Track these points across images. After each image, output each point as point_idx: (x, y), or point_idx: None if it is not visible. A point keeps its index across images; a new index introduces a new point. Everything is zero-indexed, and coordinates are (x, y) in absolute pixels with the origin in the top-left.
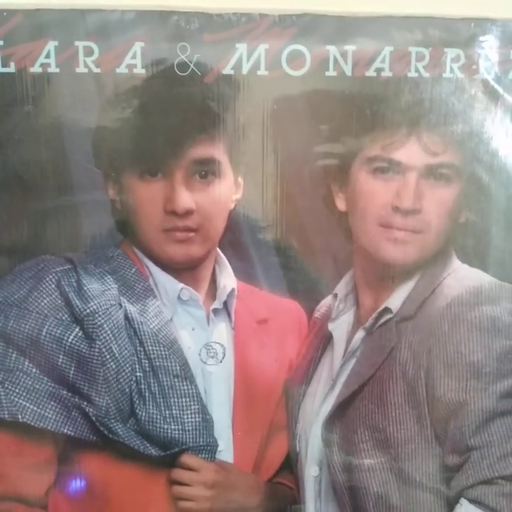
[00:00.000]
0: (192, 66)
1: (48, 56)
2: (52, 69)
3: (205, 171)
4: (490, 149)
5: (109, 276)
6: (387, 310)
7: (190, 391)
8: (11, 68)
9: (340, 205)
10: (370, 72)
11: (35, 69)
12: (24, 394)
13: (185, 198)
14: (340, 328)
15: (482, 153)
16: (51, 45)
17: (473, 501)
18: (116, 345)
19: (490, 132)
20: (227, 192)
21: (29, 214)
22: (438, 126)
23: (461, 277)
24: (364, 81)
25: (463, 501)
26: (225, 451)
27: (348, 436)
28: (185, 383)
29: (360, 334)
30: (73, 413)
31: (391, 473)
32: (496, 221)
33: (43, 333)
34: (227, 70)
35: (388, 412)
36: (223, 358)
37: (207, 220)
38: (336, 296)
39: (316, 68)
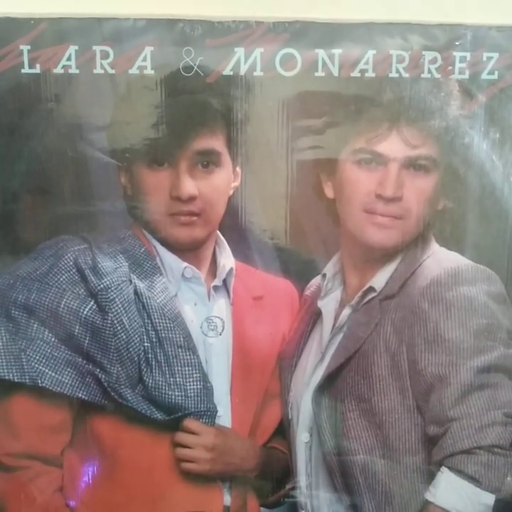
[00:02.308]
0: (196, 68)
1: (69, 59)
2: (73, 70)
3: (207, 161)
4: (465, 143)
5: (120, 255)
6: (371, 289)
7: (193, 361)
8: (37, 69)
9: (329, 192)
10: (355, 73)
11: (58, 70)
12: (44, 361)
13: (189, 186)
14: (328, 305)
15: (458, 146)
16: (72, 49)
17: (453, 469)
18: (126, 318)
19: (464, 127)
20: (226, 180)
21: (51, 201)
22: (417, 121)
23: (440, 259)
24: (350, 81)
25: (443, 469)
26: (224, 417)
27: (336, 406)
28: (188, 353)
29: (346, 311)
30: (87, 379)
31: (376, 441)
32: (471, 208)
33: (62, 306)
34: (227, 71)
35: (373, 384)
36: (222, 330)
37: (208, 205)
38: (324, 275)
39: (307, 69)
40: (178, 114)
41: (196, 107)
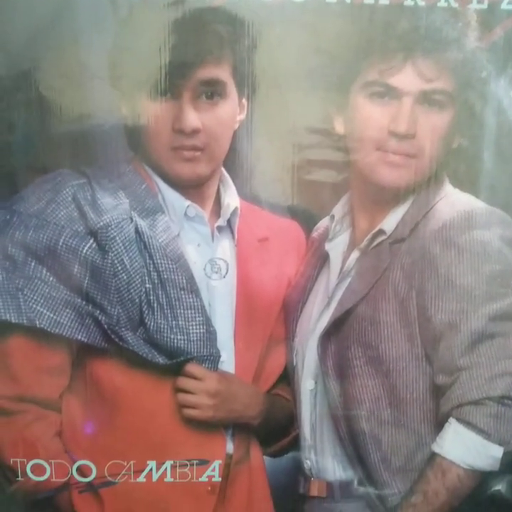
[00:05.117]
0: None
1: None
2: None
3: (212, 91)
4: (482, 77)
5: (120, 192)
6: (381, 232)
7: (196, 304)
8: None
9: (339, 128)
10: (369, 0)
11: None
12: (42, 301)
13: (193, 118)
14: (336, 248)
15: (474, 81)
16: None
17: (461, 421)
18: (127, 258)
19: (482, 60)
20: (231, 113)
21: (51, 126)
22: (433, 53)
23: (453, 202)
24: (362, 8)
25: (452, 420)
26: (227, 362)
27: (342, 352)
28: (190, 296)
29: (355, 254)
30: (87, 321)
31: (383, 390)
32: (487, 147)
33: (60, 244)
34: None
35: (380, 330)
36: (226, 273)
37: (212, 140)
38: (333, 217)
39: None
40: (182, 40)
41: (201, 32)
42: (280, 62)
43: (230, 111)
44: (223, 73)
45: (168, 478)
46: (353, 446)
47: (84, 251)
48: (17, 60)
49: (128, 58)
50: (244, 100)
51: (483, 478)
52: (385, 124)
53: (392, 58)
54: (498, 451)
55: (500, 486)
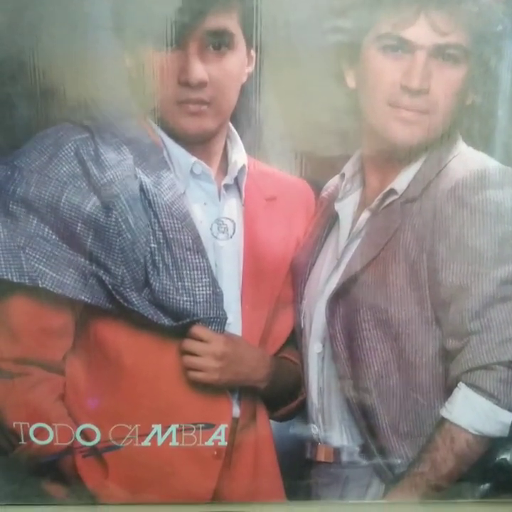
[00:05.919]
0: None
1: None
2: None
3: (219, 42)
4: (497, 31)
5: (124, 147)
6: (392, 191)
7: (202, 264)
8: None
9: (351, 82)
10: None
11: None
12: (44, 260)
13: (199, 69)
14: (346, 208)
15: (490, 36)
16: None
17: (471, 385)
18: (131, 216)
19: (498, 13)
20: (239, 64)
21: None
22: (447, 5)
23: (466, 160)
24: None
25: (461, 385)
26: (234, 324)
27: (351, 315)
28: (197, 256)
29: (365, 215)
30: (90, 281)
31: (392, 354)
32: (502, 104)
33: (63, 201)
34: None
35: (390, 293)
36: (233, 233)
37: (219, 93)
38: (343, 176)
39: None
40: None
41: None
42: (290, 12)
43: (237, 63)
44: (231, 23)
45: (174, 443)
46: (361, 410)
47: (88, 208)
48: (19, 9)
49: (132, 7)
50: (252, 52)
51: (491, 444)
52: (397, 79)
53: (406, 10)
54: (507, 417)
55: (507, 455)
